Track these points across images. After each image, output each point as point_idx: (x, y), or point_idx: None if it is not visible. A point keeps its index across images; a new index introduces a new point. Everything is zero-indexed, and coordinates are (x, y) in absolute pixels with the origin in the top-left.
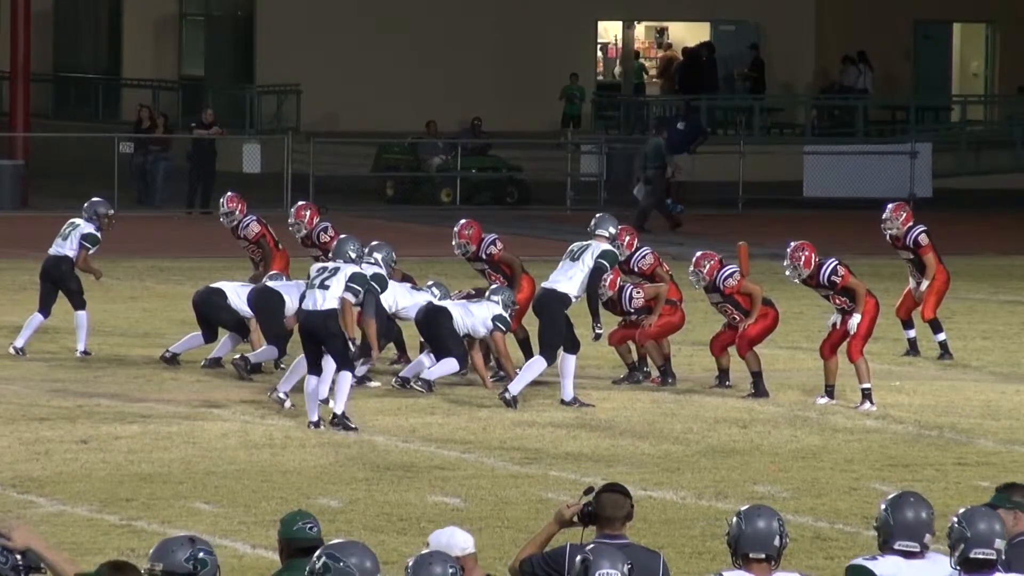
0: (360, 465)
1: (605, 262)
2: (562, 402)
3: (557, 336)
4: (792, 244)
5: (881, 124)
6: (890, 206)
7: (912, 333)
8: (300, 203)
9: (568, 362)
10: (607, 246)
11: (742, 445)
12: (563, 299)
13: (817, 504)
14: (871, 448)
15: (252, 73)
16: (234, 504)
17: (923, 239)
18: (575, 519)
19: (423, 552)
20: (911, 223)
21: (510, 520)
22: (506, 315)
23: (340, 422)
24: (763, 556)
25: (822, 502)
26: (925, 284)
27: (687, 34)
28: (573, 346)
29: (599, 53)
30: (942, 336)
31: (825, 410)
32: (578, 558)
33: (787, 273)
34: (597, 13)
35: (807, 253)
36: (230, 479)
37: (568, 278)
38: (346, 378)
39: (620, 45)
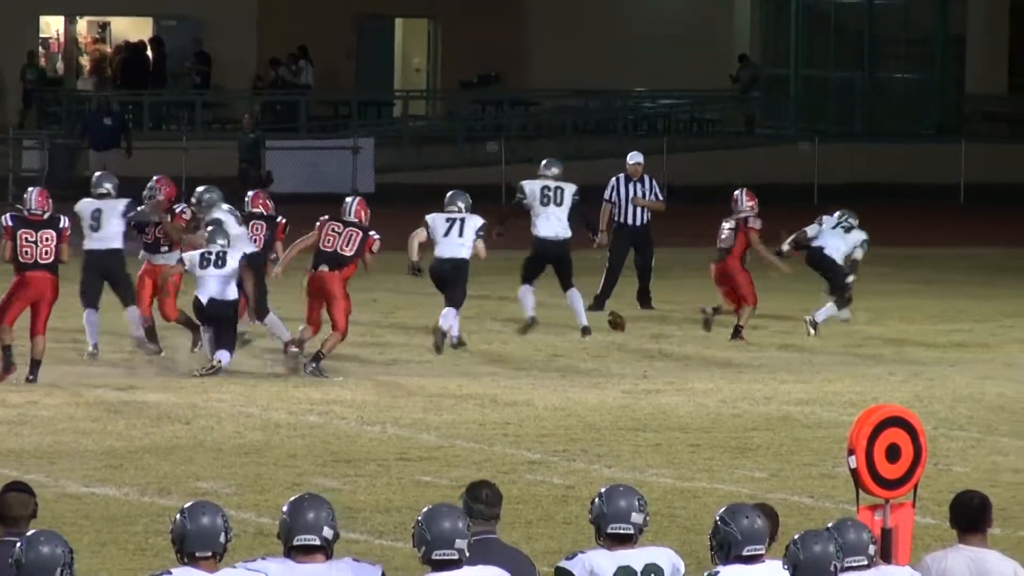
0: None
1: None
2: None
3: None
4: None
5: (324, 119)
6: (738, 192)
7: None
8: None
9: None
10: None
11: (186, 441)
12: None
13: (260, 500)
14: (314, 443)
15: None
16: None
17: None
18: None
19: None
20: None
21: None
22: None
23: None
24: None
25: (265, 498)
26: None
27: (130, 29)
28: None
29: (41, 48)
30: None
31: (268, 406)
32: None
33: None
34: (38, 7)
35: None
36: None
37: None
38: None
39: (62, 40)
